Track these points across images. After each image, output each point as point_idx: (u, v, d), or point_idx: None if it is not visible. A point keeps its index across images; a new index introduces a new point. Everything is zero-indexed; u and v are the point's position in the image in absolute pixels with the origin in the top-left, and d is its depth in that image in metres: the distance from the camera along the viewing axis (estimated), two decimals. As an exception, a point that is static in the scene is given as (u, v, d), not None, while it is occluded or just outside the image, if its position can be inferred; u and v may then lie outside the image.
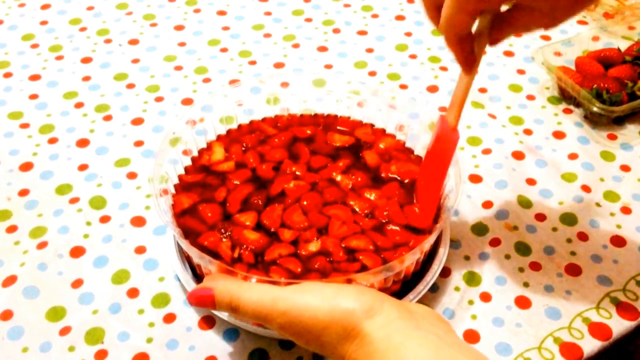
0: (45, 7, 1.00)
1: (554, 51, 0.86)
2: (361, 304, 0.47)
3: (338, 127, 0.71)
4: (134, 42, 0.94)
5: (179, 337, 0.60)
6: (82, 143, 0.78)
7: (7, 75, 0.88)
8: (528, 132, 0.80)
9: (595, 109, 0.78)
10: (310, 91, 0.74)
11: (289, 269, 0.57)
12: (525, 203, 0.72)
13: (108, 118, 0.81)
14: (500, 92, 0.86)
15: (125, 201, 0.71)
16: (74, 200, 0.71)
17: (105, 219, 0.69)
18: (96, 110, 0.82)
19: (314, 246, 0.59)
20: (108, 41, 0.94)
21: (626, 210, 0.71)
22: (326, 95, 0.74)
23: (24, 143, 0.78)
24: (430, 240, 0.58)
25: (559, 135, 0.80)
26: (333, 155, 0.68)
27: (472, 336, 0.60)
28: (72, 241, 0.67)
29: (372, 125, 0.72)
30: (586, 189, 0.74)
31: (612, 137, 0.80)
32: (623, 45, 0.87)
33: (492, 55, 0.92)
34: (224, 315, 0.59)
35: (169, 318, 0.61)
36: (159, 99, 0.84)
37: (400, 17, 0.99)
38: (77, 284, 0.64)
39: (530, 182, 0.74)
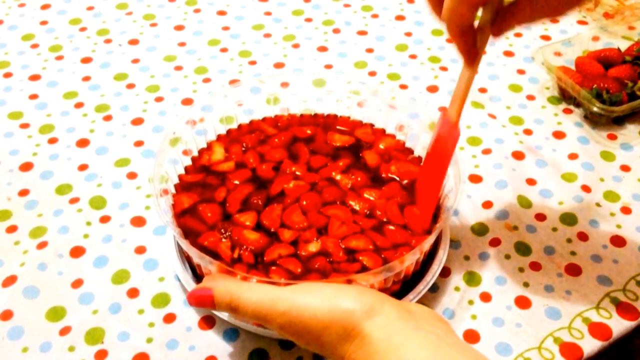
0: (45, 7, 1.00)
1: (554, 51, 0.86)
2: (361, 305, 0.47)
3: (338, 127, 0.71)
4: (134, 42, 0.94)
5: (179, 337, 0.60)
6: (82, 143, 0.78)
7: (7, 75, 0.88)
8: (528, 132, 0.80)
9: (595, 109, 0.78)
10: (310, 91, 0.74)
11: (289, 270, 0.57)
12: (525, 203, 0.72)
13: (108, 118, 0.81)
14: (500, 92, 0.86)
15: (125, 201, 0.71)
16: (74, 200, 0.71)
17: (105, 219, 0.69)
18: (96, 110, 0.82)
19: (313, 246, 0.59)
20: (108, 41, 0.94)
21: (626, 210, 0.71)
22: (326, 95, 0.74)
23: (24, 143, 0.78)
24: (430, 240, 0.58)
25: (559, 135, 0.80)
26: (333, 155, 0.68)
27: (472, 336, 0.60)
28: (72, 241, 0.67)
29: (372, 125, 0.72)
30: (586, 189, 0.74)
31: (612, 137, 0.80)
32: (623, 45, 0.87)
33: (492, 55, 0.92)
34: (224, 315, 0.59)
35: (169, 318, 0.61)
36: (159, 99, 0.84)
37: (400, 17, 0.99)
38: (77, 284, 0.64)
39: (530, 182, 0.74)
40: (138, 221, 0.69)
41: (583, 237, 0.68)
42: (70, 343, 0.59)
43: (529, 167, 0.76)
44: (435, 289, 0.63)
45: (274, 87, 0.73)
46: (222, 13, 0.99)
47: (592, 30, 0.91)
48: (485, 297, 0.63)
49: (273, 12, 0.99)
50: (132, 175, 0.74)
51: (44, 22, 0.97)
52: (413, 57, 0.92)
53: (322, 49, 0.93)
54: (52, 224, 0.69)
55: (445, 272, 0.65)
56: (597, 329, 0.60)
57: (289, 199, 0.63)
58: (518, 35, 0.95)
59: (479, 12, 0.54)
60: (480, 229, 0.69)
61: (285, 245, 0.59)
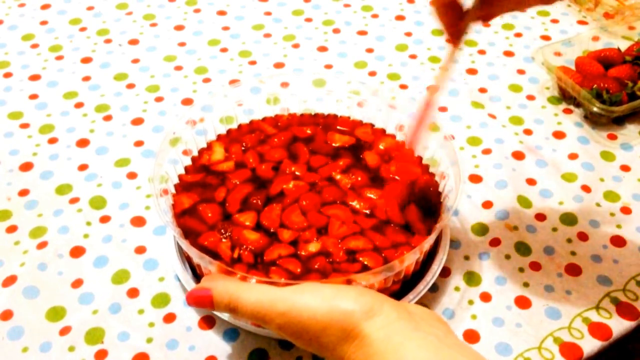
0: (45, 7, 1.00)
1: (554, 51, 0.86)
2: (361, 305, 0.47)
3: (338, 127, 0.71)
4: (134, 42, 0.94)
5: (179, 337, 0.60)
6: (82, 143, 0.78)
7: (7, 75, 0.88)
8: (528, 132, 0.80)
9: (595, 109, 0.78)
10: (310, 91, 0.74)
11: (289, 270, 0.57)
12: (525, 203, 0.72)
13: (108, 118, 0.81)
14: (500, 92, 0.86)
15: (125, 201, 0.71)
16: (74, 200, 0.71)
17: (105, 219, 0.69)
18: (96, 110, 0.82)
19: (313, 247, 0.59)
20: (108, 41, 0.94)
21: (626, 210, 0.71)
22: (326, 95, 0.74)
23: (24, 143, 0.78)
24: (430, 240, 0.58)
25: (559, 135, 0.80)
26: (333, 155, 0.68)
27: (472, 336, 0.60)
28: (72, 241, 0.67)
29: (372, 125, 0.72)
30: (586, 189, 0.74)
31: (612, 137, 0.80)
32: (623, 45, 0.87)
33: (492, 55, 0.92)
34: (224, 315, 0.59)
35: (169, 318, 0.61)
36: (159, 99, 0.84)
37: (400, 17, 0.99)
38: (77, 284, 0.64)
39: (530, 182, 0.74)
40: (138, 221, 0.69)
41: (583, 237, 0.68)
42: (70, 343, 0.59)
43: (529, 167, 0.76)
44: (435, 289, 0.63)
45: (274, 87, 0.73)
46: (222, 13, 0.99)
47: (592, 30, 0.91)
48: (485, 297, 0.63)
49: (273, 12, 0.99)
50: (132, 175, 0.74)
51: (44, 22, 0.97)
52: (413, 57, 0.92)
53: (322, 49, 0.93)
54: (52, 224, 0.69)
55: (445, 272, 0.65)
56: (597, 329, 0.60)
57: (288, 199, 0.63)
58: (518, 35, 0.95)
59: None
60: (480, 229, 0.69)
61: (285, 246, 0.59)
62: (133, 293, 0.63)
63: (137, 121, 0.81)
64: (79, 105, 0.83)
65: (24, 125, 0.80)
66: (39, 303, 0.62)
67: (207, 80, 0.87)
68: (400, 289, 0.60)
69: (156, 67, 0.89)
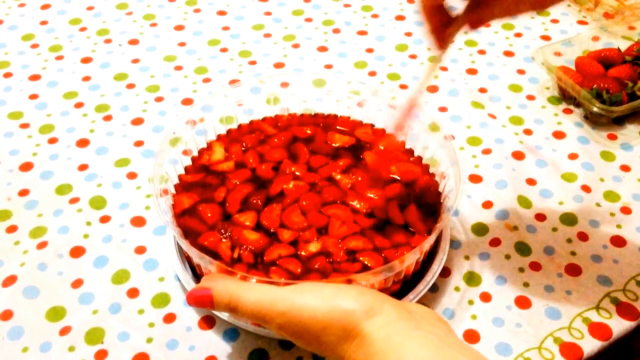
0: (45, 7, 1.00)
1: (554, 51, 0.86)
2: (361, 305, 0.47)
3: (338, 127, 0.71)
4: (134, 42, 0.94)
5: (179, 337, 0.60)
6: (82, 143, 0.78)
7: (7, 75, 0.88)
8: (528, 132, 0.80)
9: (595, 109, 0.78)
10: (310, 91, 0.74)
11: (289, 270, 0.57)
12: (525, 203, 0.72)
13: (108, 118, 0.81)
14: (500, 92, 0.86)
15: (125, 201, 0.71)
16: (74, 200, 0.71)
17: (105, 219, 0.69)
18: (96, 110, 0.82)
19: (313, 247, 0.59)
20: (108, 41, 0.94)
21: (626, 210, 0.71)
22: (326, 95, 0.74)
23: (24, 143, 0.78)
24: (430, 240, 0.58)
25: (559, 135, 0.80)
26: (333, 155, 0.68)
27: (472, 336, 0.60)
28: (72, 241, 0.67)
29: (372, 125, 0.72)
30: (586, 189, 0.74)
31: (612, 137, 0.80)
32: (623, 45, 0.87)
33: (492, 55, 0.92)
34: (224, 315, 0.59)
35: (169, 318, 0.61)
36: (159, 99, 0.84)
37: (400, 17, 0.99)
38: (77, 284, 0.64)
39: (530, 182, 0.74)
40: (138, 221, 0.69)
41: (583, 237, 0.68)
42: (70, 343, 0.59)
43: (529, 167, 0.76)
44: (435, 289, 0.63)
45: (274, 87, 0.73)
46: (222, 13, 0.99)
47: (592, 30, 0.91)
48: (485, 297, 0.63)
49: (273, 12, 0.99)
50: (132, 175, 0.74)
51: (44, 22, 0.97)
52: (413, 57, 0.92)
53: (322, 49, 0.93)
54: (52, 224, 0.69)
55: (445, 272, 0.65)
56: (597, 329, 0.60)
57: (288, 199, 0.63)
58: (518, 35, 0.95)
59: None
60: (480, 229, 0.69)
61: (285, 246, 0.59)
62: (133, 293, 0.63)
63: (137, 121, 0.81)
64: (79, 105, 0.83)
65: (24, 125, 0.80)
66: (39, 303, 0.62)
67: (207, 80, 0.87)
68: (400, 289, 0.60)
69: (156, 67, 0.89)
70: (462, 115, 0.82)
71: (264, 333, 0.58)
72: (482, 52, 0.92)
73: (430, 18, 0.54)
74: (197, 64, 0.90)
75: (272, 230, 0.60)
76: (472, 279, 0.65)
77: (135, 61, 0.90)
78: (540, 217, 0.70)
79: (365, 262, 0.58)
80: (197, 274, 0.62)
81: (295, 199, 0.63)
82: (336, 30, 0.96)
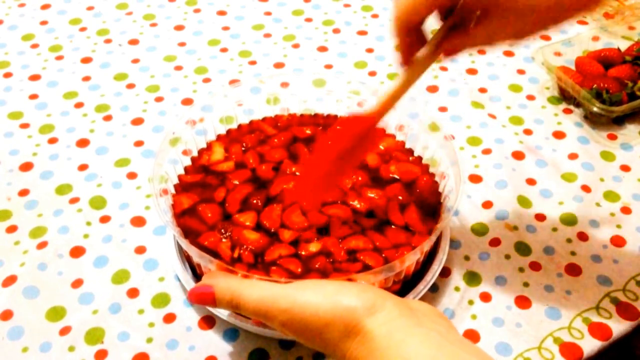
0: (45, 7, 1.00)
1: (554, 51, 0.86)
2: (363, 302, 0.47)
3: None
4: (134, 42, 0.94)
5: (179, 337, 0.60)
6: (82, 143, 0.78)
7: (7, 75, 0.88)
8: (528, 132, 0.80)
9: (595, 109, 0.78)
10: (310, 91, 0.74)
11: (289, 270, 0.57)
12: (525, 203, 0.72)
13: (108, 118, 0.81)
14: (500, 92, 0.86)
15: (125, 201, 0.71)
16: (74, 200, 0.71)
17: (105, 219, 0.69)
18: (96, 110, 0.82)
19: (314, 246, 0.59)
20: (108, 41, 0.94)
21: (626, 210, 0.71)
22: (326, 95, 0.74)
23: (24, 143, 0.78)
24: (430, 241, 0.58)
25: (559, 135, 0.80)
26: (333, 155, 0.68)
27: (472, 336, 0.60)
28: (72, 241, 0.67)
29: (372, 125, 0.72)
30: (586, 189, 0.74)
31: (612, 137, 0.80)
32: (623, 45, 0.87)
33: (492, 55, 0.92)
34: (224, 315, 0.59)
35: (169, 318, 0.61)
36: (159, 99, 0.84)
37: (400, 17, 0.99)
38: (77, 284, 0.63)
39: (530, 182, 0.74)
40: (138, 221, 0.69)
41: (583, 237, 0.68)
42: (70, 343, 0.59)
43: (529, 167, 0.76)
44: (435, 289, 0.63)
45: (274, 87, 0.73)
46: (222, 13, 0.99)
47: (592, 30, 0.91)
48: (485, 297, 0.63)
49: (273, 12, 0.99)
50: (132, 175, 0.74)
51: (44, 22, 0.97)
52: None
53: (322, 49, 0.93)
54: (52, 224, 0.69)
55: (445, 272, 0.65)
56: (597, 329, 0.60)
57: (288, 199, 0.63)
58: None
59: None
60: (480, 229, 0.69)
61: (286, 246, 0.59)
62: (133, 293, 0.63)
63: (137, 121, 0.81)
64: (79, 105, 0.83)
65: (24, 125, 0.80)
66: (39, 303, 0.62)
67: (207, 80, 0.87)
68: (400, 289, 0.60)
69: (156, 67, 0.89)
70: (462, 115, 0.82)
71: (264, 333, 0.58)
72: (482, 52, 0.92)
73: (402, 38, 0.52)
74: (197, 64, 0.90)
75: (272, 231, 0.60)
76: (472, 279, 0.65)
77: (135, 61, 0.90)
78: (540, 217, 0.70)
79: (366, 262, 0.58)
80: (197, 274, 0.62)
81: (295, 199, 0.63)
82: (336, 30, 0.96)
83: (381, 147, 0.69)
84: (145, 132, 0.80)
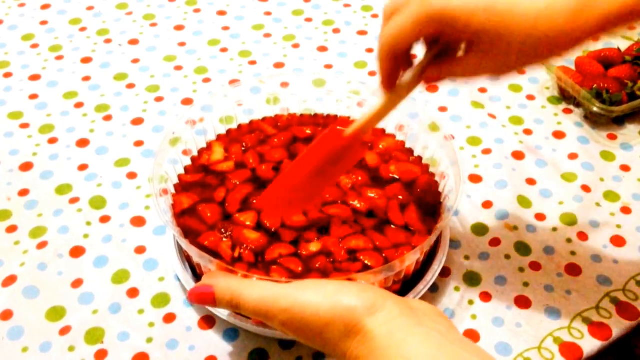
0: (45, 7, 1.00)
1: (554, 51, 0.85)
2: (363, 301, 0.47)
3: (338, 127, 0.71)
4: (134, 42, 0.94)
5: (179, 337, 0.60)
6: (82, 143, 0.78)
7: (7, 75, 0.88)
8: (528, 132, 0.80)
9: (595, 109, 0.78)
10: (310, 91, 0.74)
11: (290, 269, 0.57)
12: (525, 203, 0.72)
13: (108, 118, 0.81)
14: (500, 92, 0.86)
15: (125, 201, 0.71)
16: (74, 200, 0.71)
17: (105, 219, 0.69)
18: (96, 110, 0.82)
19: (314, 246, 0.59)
20: (108, 41, 0.94)
21: (626, 210, 0.71)
22: (326, 95, 0.74)
23: (24, 143, 0.78)
24: (430, 241, 0.58)
25: (559, 135, 0.80)
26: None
27: (472, 336, 0.60)
28: (72, 241, 0.67)
29: (372, 125, 0.72)
30: (586, 189, 0.74)
31: (612, 137, 0.80)
32: (623, 45, 0.87)
33: (492, 55, 0.91)
34: (223, 315, 0.59)
35: (169, 318, 0.61)
36: (159, 99, 0.84)
37: (400, 17, 0.99)
38: (77, 284, 0.63)
39: (530, 182, 0.74)
40: (138, 221, 0.69)
41: (583, 237, 0.68)
42: (70, 343, 0.59)
43: (529, 167, 0.76)
44: (435, 289, 0.63)
45: (274, 87, 0.73)
46: (222, 13, 0.99)
47: (592, 30, 0.91)
48: (485, 297, 0.63)
49: (273, 12, 0.99)
50: (132, 175, 0.74)
51: (44, 22, 0.97)
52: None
53: (322, 49, 0.93)
54: (52, 224, 0.69)
55: (445, 272, 0.65)
56: (597, 329, 0.60)
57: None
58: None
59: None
60: (480, 229, 0.69)
61: (286, 245, 0.59)
62: (133, 293, 0.63)
63: (137, 121, 0.81)
64: (79, 105, 0.83)
65: (24, 125, 0.80)
66: (39, 303, 0.62)
67: (207, 80, 0.87)
68: (400, 289, 0.60)
69: (156, 67, 0.89)
70: (462, 115, 0.82)
71: (263, 333, 0.58)
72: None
73: (386, 63, 0.52)
74: (197, 64, 0.90)
75: (273, 230, 0.60)
76: (472, 279, 0.65)
77: (135, 61, 0.90)
78: (540, 217, 0.70)
79: (366, 262, 0.58)
80: (197, 274, 0.62)
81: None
82: (336, 30, 0.96)
83: (381, 146, 0.69)
84: (145, 132, 0.80)
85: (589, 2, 0.44)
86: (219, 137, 0.71)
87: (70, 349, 0.58)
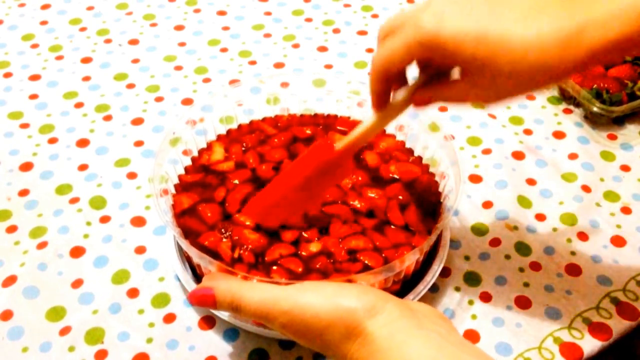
0: (45, 7, 1.00)
1: (554, 51, 0.85)
2: (363, 303, 0.47)
3: (338, 127, 0.71)
4: (134, 42, 0.94)
5: (179, 337, 0.60)
6: (82, 143, 0.78)
7: (7, 75, 0.88)
8: (528, 132, 0.80)
9: (595, 109, 0.78)
10: (310, 91, 0.74)
11: (290, 269, 0.57)
12: (525, 203, 0.72)
13: (108, 118, 0.81)
14: (500, 92, 0.86)
15: (125, 201, 0.71)
16: (74, 200, 0.71)
17: (105, 219, 0.69)
18: (96, 110, 0.82)
19: (314, 246, 0.59)
20: (108, 41, 0.94)
21: (626, 210, 0.71)
22: (326, 95, 0.74)
23: (24, 143, 0.78)
24: (430, 241, 0.58)
25: (559, 135, 0.80)
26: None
27: (472, 336, 0.60)
28: (72, 241, 0.67)
29: (372, 126, 0.72)
30: (586, 189, 0.74)
31: (612, 137, 0.80)
32: (623, 45, 0.87)
33: (492, 55, 0.91)
34: (224, 315, 0.59)
35: (169, 318, 0.61)
36: (159, 99, 0.84)
37: (400, 17, 0.99)
38: (77, 284, 0.64)
39: (530, 182, 0.74)
40: (138, 221, 0.69)
41: (583, 237, 0.68)
42: (70, 343, 0.59)
43: (529, 167, 0.76)
44: (435, 289, 0.63)
45: (274, 87, 0.73)
46: (222, 13, 0.99)
47: (592, 30, 0.91)
48: (485, 297, 0.63)
49: (273, 12, 0.99)
50: (132, 175, 0.74)
51: (44, 22, 0.97)
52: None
53: (322, 49, 0.93)
54: (52, 224, 0.69)
55: (445, 272, 0.65)
56: (597, 329, 0.60)
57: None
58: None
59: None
60: (480, 229, 0.69)
61: (286, 245, 0.59)
62: (133, 293, 0.63)
63: (137, 121, 0.81)
64: (79, 105, 0.83)
65: (24, 125, 0.80)
66: (39, 303, 0.62)
67: (207, 80, 0.87)
68: (400, 289, 0.60)
69: (156, 67, 0.89)
70: (462, 115, 0.82)
71: (264, 333, 0.58)
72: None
73: (378, 83, 0.52)
74: (197, 64, 0.90)
75: (273, 230, 0.60)
76: (472, 279, 0.65)
77: (135, 61, 0.90)
78: (541, 217, 0.70)
79: (366, 262, 0.58)
80: (197, 274, 0.62)
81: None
82: (336, 30, 0.96)
83: (381, 146, 0.69)
84: (145, 132, 0.80)
85: (579, 34, 0.44)
86: (219, 137, 0.71)
87: (70, 349, 0.58)
